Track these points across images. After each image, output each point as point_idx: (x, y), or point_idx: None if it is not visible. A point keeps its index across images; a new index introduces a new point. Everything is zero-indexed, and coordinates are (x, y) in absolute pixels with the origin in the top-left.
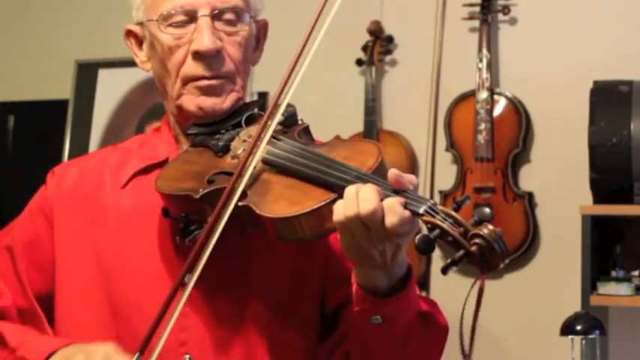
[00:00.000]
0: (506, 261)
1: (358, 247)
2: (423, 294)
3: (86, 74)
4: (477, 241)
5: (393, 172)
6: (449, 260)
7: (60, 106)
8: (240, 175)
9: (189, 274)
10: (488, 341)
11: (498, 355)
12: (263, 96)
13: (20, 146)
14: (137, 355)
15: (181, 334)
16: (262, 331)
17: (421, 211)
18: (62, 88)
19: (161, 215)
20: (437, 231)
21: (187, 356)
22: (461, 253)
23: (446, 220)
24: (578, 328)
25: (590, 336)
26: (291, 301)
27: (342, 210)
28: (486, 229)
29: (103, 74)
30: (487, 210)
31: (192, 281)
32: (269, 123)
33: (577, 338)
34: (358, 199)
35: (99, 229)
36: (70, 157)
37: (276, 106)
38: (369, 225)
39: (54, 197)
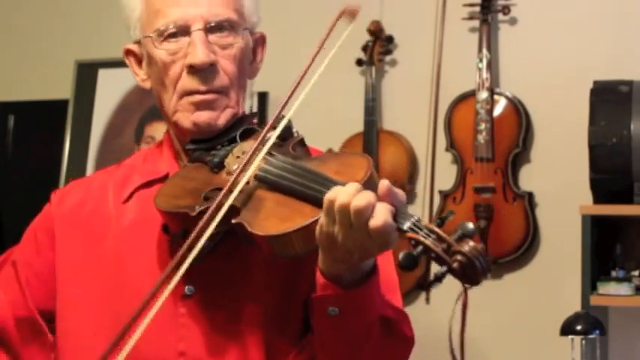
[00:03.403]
0: (488, 276)
1: (332, 236)
2: (423, 294)
3: (86, 74)
4: (459, 257)
5: (384, 184)
6: (432, 277)
7: (60, 106)
8: (231, 191)
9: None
10: (488, 341)
11: (498, 355)
12: (263, 96)
13: (20, 146)
14: None
15: (180, 343)
16: (257, 339)
17: (406, 227)
18: (62, 88)
19: (161, 233)
20: (420, 247)
21: None
22: (443, 269)
23: (429, 236)
24: (578, 328)
25: (590, 336)
26: (283, 308)
27: (336, 195)
28: (467, 247)
29: (103, 74)
30: (470, 225)
31: (167, 291)
32: (266, 138)
33: (577, 338)
34: (356, 194)
35: (102, 244)
36: (70, 157)
37: (271, 127)
38: (354, 219)
39: (56, 214)
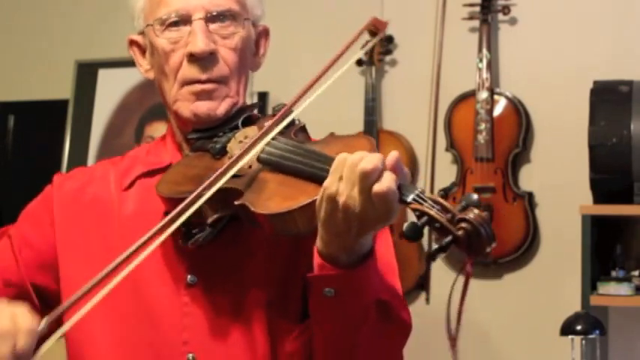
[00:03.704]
0: (493, 245)
1: (334, 199)
2: (423, 294)
3: (86, 74)
4: (463, 225)
5: (392, 155)
6: (436, 246)
7: (60, 106)
8: (236, 162)
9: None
10: (488, 341)
11: (498, 355)
12: (263, 96)
13: (20, 146)
14: (46, 319)
15: (184, 333)
16: (260, 323)
17: (410, 198)
18: (62, 88)
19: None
20: (425, 218)
21: (191, 355)
22: (448, 238)
23: (433, 207)
24: (578, 328)
25: (590, 336)
26: (285, 292)
27: (347, 155)
28: (472, 214)
29: (103, 74)
30: (474, 196)
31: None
32: (270, 125)
33: (577, 338)
34: (366, 156)
35: (104, 230)
36: (70, 157)
37: (282, 116)
38: (360, 179)
39: (57, 195)
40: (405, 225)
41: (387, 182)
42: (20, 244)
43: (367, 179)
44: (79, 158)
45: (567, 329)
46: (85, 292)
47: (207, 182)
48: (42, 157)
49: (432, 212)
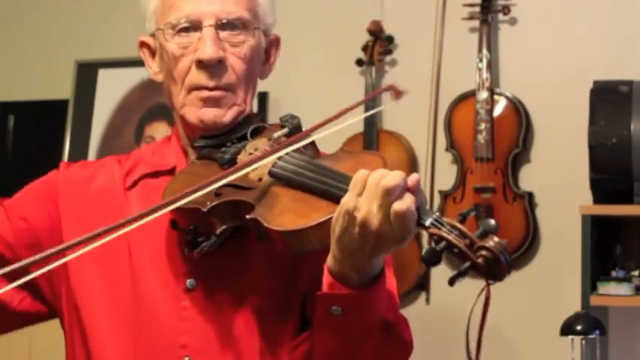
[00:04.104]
0: (512, 272)
1: (352, 215)
2: (423, 294)
3: (86, 74)
4: (484, 253)
5: (414, 177)
6: (455, 272)
7: (60, 106)
8: (241, 169)
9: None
10: (488, 341)
11: (498, 354)
12: (263, 96)
13: (20, 146)
14: None
15: (181, 337)
16: (257, 331)
17: (428, 222)
18: (62, 88)
19: (169, 226)
20: (443, 243)
21: (187, 359)
22: (467, 264)
23: (452, 232)
24: (578, 328)
25: (591, 336)
26: (282, 303)
27: (368, 172)
28: (492, 242)
29: (103, 74)
30: (492, 222)
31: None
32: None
33: (577, 338)
34: (387, 173)
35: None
36: (70, 157)
37: (300, 137)
38: (381, 195)
39: (62, 180)
40: (425, 250)
41: (407, 202)
42: (15, 216)
43: (389, 196)
44: (78, 158)
45: (567, 329)
46: (68, 247)
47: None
48: (42, 156)
49: (451, 238)
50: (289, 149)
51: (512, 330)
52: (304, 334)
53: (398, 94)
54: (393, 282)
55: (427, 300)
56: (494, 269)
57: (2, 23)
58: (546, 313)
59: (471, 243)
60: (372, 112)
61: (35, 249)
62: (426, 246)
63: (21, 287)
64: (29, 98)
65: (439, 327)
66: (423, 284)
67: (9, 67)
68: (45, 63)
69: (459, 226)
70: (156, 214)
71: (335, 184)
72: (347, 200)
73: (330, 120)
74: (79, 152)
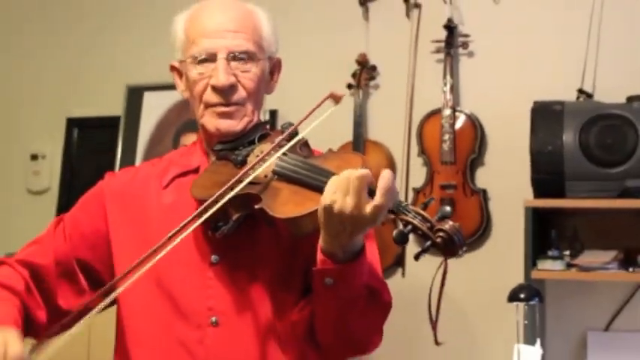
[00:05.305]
0: (465, 249)
1: (331, 206)
2: (400, 270)
3: (134, 96)
4: (441, 234)
5: (387, 174)
6: (419, 250)
7: (114, 121)
8: (247, 173)
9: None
10: (450, 309)
11: (458, 318)
12: (273, 113)
13: (83, 153)
14: (31, 351)
15: (208, 300)
16: (270, 294)
17: (397, 210)
18: (116, 107)
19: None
20: (409, 226)
21: (214, 318)
22: (428, 243)
23: (416, 217)
24: (522, 296)
25: (531, 302)
26: (287, 273)
27: (337, 177)
28: (447, 225)
29: (147, 96)
30: (448, 208)
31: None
32: (281, 143)
33: (521, 304)
34: (354, 172)
35: (146, 222)
36: (122, 161)
37: (288, 135)
38: (351, 190)
39: (107, 190)
40: (394, 232)
41: (384, 199)
42: (71, 227)
43: (356, 188)
44: (128, 163)
45: (513, 297)
46: (132, 268)
47: (229, 184)
48: (99, 162)
49: (415, 222)
50: (285, 148)
51: (469, 299)
52: (307, 297)
53: (337, 98)
54: (375, 252)
55: (403, 274)
56: (449, 247)
57: (74, 53)
58: (496, 285)
59: (431, 226)
60: (321, 118)
61: (92, 250)
62: (395, 229)
63: (80, 285)
64: (90, 115)
65: (413, 296)
66: (399, 261)
67: (74, 88)
68: (103, 86)
69: (421, 212)
70: (207, 214)
71: (324, 180)
72: (325, 196)
73: (298, 124)
74: (129, 158)
